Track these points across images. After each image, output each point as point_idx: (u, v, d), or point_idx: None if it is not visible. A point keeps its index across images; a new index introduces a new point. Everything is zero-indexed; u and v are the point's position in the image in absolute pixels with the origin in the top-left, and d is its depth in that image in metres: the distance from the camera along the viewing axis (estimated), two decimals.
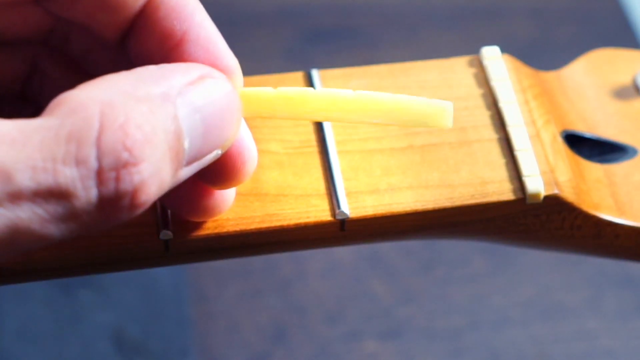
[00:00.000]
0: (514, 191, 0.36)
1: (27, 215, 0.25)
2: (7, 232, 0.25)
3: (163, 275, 0.62)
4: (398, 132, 0.37)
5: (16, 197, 0.25)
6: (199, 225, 0.34)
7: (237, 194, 0.35)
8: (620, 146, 0.39)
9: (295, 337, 0.61)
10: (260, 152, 0.36)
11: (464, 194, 0.36)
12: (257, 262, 0.63)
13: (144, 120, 0.26)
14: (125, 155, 0.26)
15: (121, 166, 0.26)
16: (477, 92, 0.38)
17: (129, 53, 0.31)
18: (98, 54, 0.33)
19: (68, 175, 0.25)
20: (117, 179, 0.26)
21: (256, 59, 0.71)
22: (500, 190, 0.36)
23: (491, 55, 0.39)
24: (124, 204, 0.26)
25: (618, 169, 0.38)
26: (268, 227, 0.34)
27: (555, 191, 0.36)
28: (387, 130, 0.37)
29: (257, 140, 0.36)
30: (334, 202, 0.35)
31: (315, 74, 0.38)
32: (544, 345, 0.61)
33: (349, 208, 0.35)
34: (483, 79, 0.39)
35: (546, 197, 0.36)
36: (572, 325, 0.62)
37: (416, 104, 0.32)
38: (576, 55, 0.42)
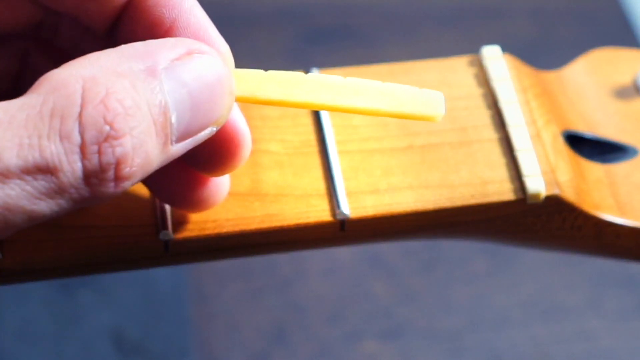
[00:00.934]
0: (515, 191, 0.36)
1: (16, 192, 0.26)
2: None
3: (163, 275, 0.62)
4: (398, 132, 0.37)
5: (4, 175, 0.26)
6: (199, 225, 0.34)
7: (237, 194, 0.35)
8: (621, 146, 0.39)
9: (295, 337, 0.61)
10: (260, 152, 0.36)
11: (464, 194, 0.36)
12: (257, 262, 0.63)
13: (125, 94, 0.27)
14: (106, 129, 0.26)
15: (103, 139, 0.26)
16: (477, 91, 0.38)
17: (118, 43, 0.31)
18: (88, 45, 0.33)
19: (53, 151, 0.26)
20: (100, 152, 0.26)
21: (256, 59, 0.71)
22: (501, 190, 0.36)
23: (492, 54, 0.39)
24: (108, 176, 0.27)
25: (618, 168, 0.38)
26: (268, 227, 0.34)
27: (556, 191, 0.36)
28: (387, 130, 0.37)
29: (257, 140, 0.36)
30: (334, 202, 0.35)
31: (315, 73, 0.38)
32: (545, 345, 0.61)
33: (349, 208, 0.35)
34: (483, 79, 0.39)
35: (547, 197, 0.36)
36: (572, 326, 0.62)
37: (408, 92, 0.31)
38: (576, 55, 0.42)
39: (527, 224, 0.37)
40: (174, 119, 0.28)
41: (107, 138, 0.26)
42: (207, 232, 0.34)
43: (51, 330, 0.59)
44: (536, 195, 0.36)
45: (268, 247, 0.35)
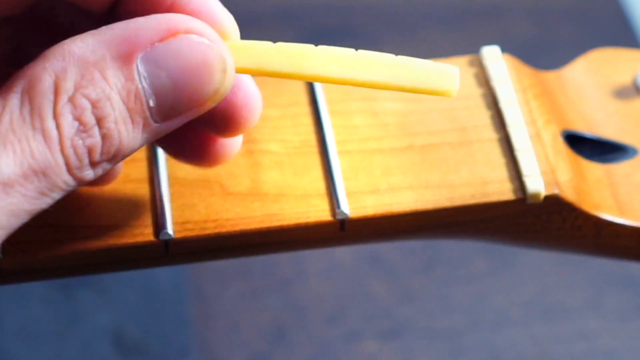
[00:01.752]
0: (515, 191, 0.36)
1: (18, 199, 0.28)
2: (5, 219, 0.27)
3: (163, 275, 0.62)
4: (398, 132, 0.37)
5: (8, 185, 0.27)
6: (199, 225, 0.34)
7: (237, 194, 0.35)
8: (621, 146, 0.39)
9: (295, 337, 0.61)
10: (260, 152, 0.36)
11: (464, 194, 0.36)
12: (257, 262, 0.63)
13: (92, 88, 0.28)
14: (75, 124, 0.28)
15: (74, 134, 0.28)
16: (477, 92, 0.38)
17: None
18: (85, 25, 0.33)
19: (42, 151, 0.28)
20: (74, 146, 0.28)
21: None
22: (501, 190, 0.36)
23: (491, 55, 0.39)
24: (84, 165, 0.28)
25: (618, 168, 0.38)
26: (268, 227, 0.34)
27: (556, 191, 0.36)
28: (387, 130, 0.37)
29: (257, 140, 0.36)
30: (334, 202, 0.35)
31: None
32: (545, 345, 0.61)
33: (349, 208, 0.35)
34: (483, 79, 0.39)
35: (546, 197, 0.36)
36: (572, 326, 0.62)
37: (420, 65, 0.31)
38: (576, 55, 0.42)
39: (527, 223, 0.37)
40: (152, 103, 0.29)
41: (78, 132, 0.28)
42: (207, 232, 0.34)
43: (51, 330, 0.59)
44: (536, 195, 0.36)
45: (268, 247, 0.35)
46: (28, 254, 0.33)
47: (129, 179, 0.35)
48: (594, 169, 0.38)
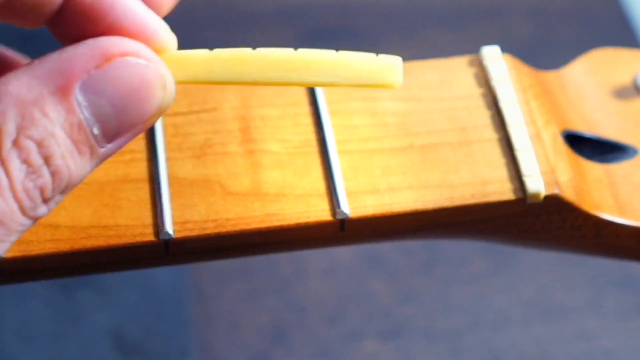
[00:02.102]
0: (515, 191, 0.36)
1: None
2: None
3: (163, 275, 0.62)
4: (398, 132, 0.37)
5: None
6: (199, 225, 0.34)
7: (237, 193, 0.35)
8: (621, 146, 0.39)
9: (295, 337, 0.61)
10: (260, 152, 0.36)
11: (464, 193, 0.36)
12: (257, 262, 0.63)
13: (35, 127, 0.28)
14: (23, 167, 0.28)
15: (23, 177, 0.28)
16: (477, 91, 0.38)
17: (55, 35, 0.31)
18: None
19: None
20: (25, 190, 0.28)
21: None
22: (501, 190, 0.36)
23: (491, 55, 0.39)
24: (38, 204, 0.28)
25: (618, 168, 0.38)
26: (268, 227, 0.34)
27: (556, 191, 0.36)
28: (387, 130, 0.37)
29: (257, 140, 0.36)
30: (334, 202, 0.35)
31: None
32: (544, 345, 0.61)
33: (349, 208, 0.35)
34: (483, 79, 0.39)
35: (546, 197, 0.36)
36: (572, 326, 0.62)
37: (362, 60, 0.30)
38: (576, 55, 0.42)
39: (527, 223, 0.37)
40: (96, 131, 0.29)
41: (27, 175, 0.28)
42: (207, 232, 0.34)
43: (51, 330, 0.59)
44: (536, 195, 0.36)
45: (268, 247, 0.35)
46: (28, 254, 0.33)
47: (129, 179, 0.35)
48: (594, 169, 0.38)
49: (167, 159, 0.36)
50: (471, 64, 0.39)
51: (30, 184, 0.28)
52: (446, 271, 0.64)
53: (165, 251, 0.34)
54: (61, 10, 0.30)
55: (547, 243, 0.38)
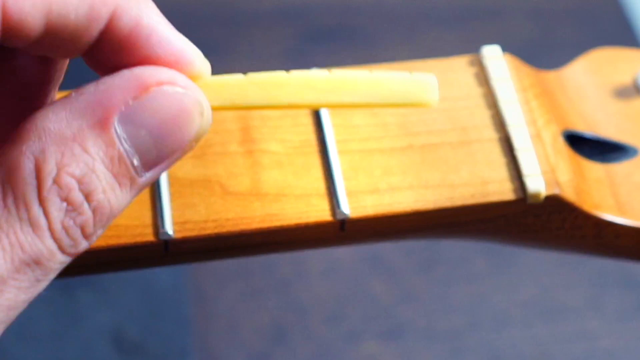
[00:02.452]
0: (515, 191, 0.36)
1: (14, 293, 0.27)
2: (3, 315, 0.27)
3: (163, 275, 0.62)
4: (398, 132, 0.37)
5: (1, 282, 0.27)
6: (198, 225, 0.34)
7: (237, 193, 0.35)
8: (621, 146, 0.39)
9: (295, 337, 0.61)
10: (260, 151, 0.36)
11: (464, 193, 0.36)
12: (257, 262, 0.63)
13: (76, 164, 0.27)
14: (64, 206, 0.27)
15: (63, 216, 0.27)
16: (477, 91, 0.38)
17: (89, 64, 0.31)
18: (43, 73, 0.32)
19: (31, 242, 0.27)
20: (65, 228, 0.27)
21: (256, 59, 0.71)
22: (501, 190, 0.36)
23: (492, 54, 0.39)
24: (78, 241, 0.28)
25: (619, 168, 0.38)
26: (268, 227, 0.34)
27: (556, 191, 0.36)
28: (387, 130, 0.37)
29: (257, 140, 0.36)
30: (334, 202, 0.35)
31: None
32: (545, 345, 0.61)
33: (349, 208, 0.35)
34: (483, 79, 0.39)
35: (547, 197, 0.36)
36: (572, 326, 0.62)
37: (397, 79, 0.30)
38: (576, 55, 0.42)
39: (527, 223, 0.37)
40: (136, 161, 0.28)
41: (67, 213, 0.27)
42: (207, 232, 0.34)
43: (51, 330, 0.59)
44: (536, 195, 0.36)
45: (268, 247, 0.35)
46: None
47: None
48: (594, 169, 0.38)
49: None
50: (471, 63, 0.39)
51: (70, 222, 0.27)
52: (446, 271, 0.64)
53: (165, 251, 0.34)
54: (97, 43, 0.29)
55: (547, 243, 0.38)
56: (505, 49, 0.40)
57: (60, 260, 0.28)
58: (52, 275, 0.28)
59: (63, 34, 0.28)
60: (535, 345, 0.61)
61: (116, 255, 0.34)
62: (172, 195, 0.35)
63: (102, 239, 0.33)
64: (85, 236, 0.28)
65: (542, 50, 0.74)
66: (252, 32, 0.73)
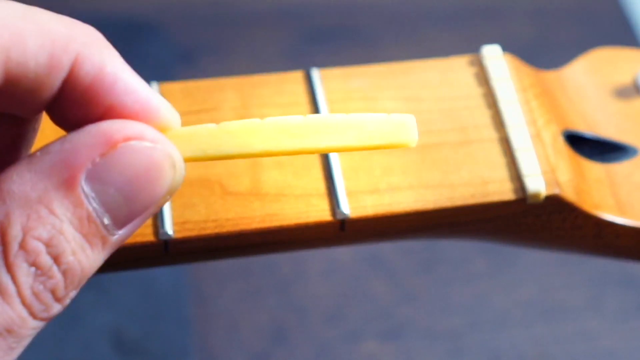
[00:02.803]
0: (515, 191, 0.36)
1: None
2: None
3: (163, 275, 0.62)
4: None
5: None
6: (198, 225, 0.34)
7: (237, 193, 0.35)
8: (621, 146, 0.39)
9: (295, 337, 0.61)
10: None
11: (464, 193, 0.36)
12: (257, 262, 0.63)
13: (43, 227, 0.26)
14: (32, 271, 0.26)
15: (32, 281, 0.26)
16: (477, 91, 0.38)
17: (53, 119, 0.30)
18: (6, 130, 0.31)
19: (0, 310, 0.26)
20: (35, 294, 0.27)
21: (256, 59, 0.71)
22: (501, 190, 0.36)
23: (492, 54, 0.39)
24: (50, 305, 0.27)
25: (619, 168, 0.38)
26: (268, 227, 0.34)
27: (556, 191, 0.36)
28: None
29: None
30: (334, 201, 0.35)
31: (315, 73, 0.38)
32: (545, 345, 0.61)
33: (349, 208, 0.35)
34: (483, 79, 0.39)
35: (547, 197, 0.36)
36: (572, 326, 0.62)
37: (374, 121, 0.29)
38: (576, 55, 0.42)
39: (527, 223, 0.36)
40: (107, 220, 0.27)
41: (36, 277, 0.27)
42: (207, 232, 0.34)
43: (51, 330, 0.59)
44: (536, 195, 0.36)
45: (268, 247, 0.35)
46: None
47: None
48: (595, 169, 0.38)
49: None
50: (471, 63, 0.39)
51: (40, 287, 0.27)
52: (446, 271, 0.64)
53: (165, 251, 0.34)
54: (60, 94, 0.28)
55: (547, 243, 0.38)
56: (505, 49, 0.40)
57: (33, 326, 0.27)
58: (26, 342, 0.27)
59: (23, 84, 0.27)
60: (535, 345, 0.61)
61: (116, 255, 0.34)
62: None
63: None
64: (57, 299, 0.27)
65: (542, 50, 0.74)
66: (252, 32, 0.73)
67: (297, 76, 0.38)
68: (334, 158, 0.36)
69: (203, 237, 0.34)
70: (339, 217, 0.35)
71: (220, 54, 0.71)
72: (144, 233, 0.34)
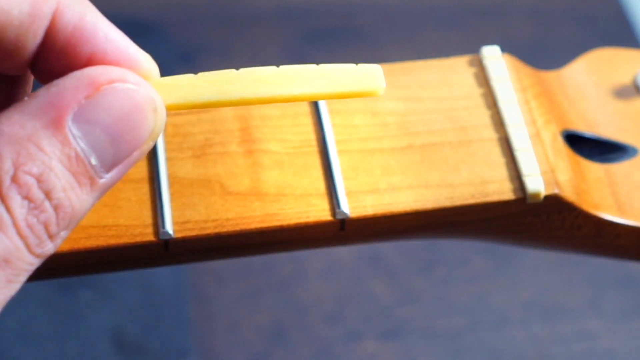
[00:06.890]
0: (514, 191, 0.36)
1: None
2: None
3: (163, 275, 0.62)
4: (398, 131, 0.37)
5: None
6: (199, 225, 0.34)
7: (237, 193, 0.35)
8: (621, 146, 0.39)
9: (295, 337, 0.61)
10: (260, 151, 0.36)
11: (464, 193, 0.36)
12: (257, 262, 0.63)
13: (33, 162, 0.27)
14: (25, 203, 0.27)
15: (26, 213, 0.27)
16: (477, 91, 0.38)
17: (38, 78, 0.31)
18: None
19: None
20: (30, 226, 0.28)
21: (256, 59, 0.71)
22: (501, 189, 0.36)
23: (491, 54, 0.39)
24: (44, 241, 0.28)
25: (618, 168, 0.38)
26: (268, 227, 0.34)
27: (556, 191, 0.36)
28: (387, 130, 0.37)
29: (257, 140, 0.36)
30: (334, 201, 0.35)
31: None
32: (544, 345, 0.61)
33: (349, 208, 0.35)
34: (483, 79, 0.39)
35: (546, 197, 0.36)
36: (572, 326, 0.62)
37: (343, 70, 0.31)
38: (576, 55, 0.42)
39: (527, 223, 0.37)
40: (94, 161, 0.28)
41: (30, 210, 0.27)
42: (207, 231, 0.34)
43: (51, 330, 0.59)
44: (536, 195, 0.36)
45: (268, 247, 0.35)
46: None
47: (129, 179, 0.35)
48: (594, 169, 0.38)
49: (167, 159, 0.36)
50: (471, 63, 0.39)
51: (34, 220, 0.27)
52: (446, 271, 0.64)
53: (165, 251, 0.34)
54: (42, 48, 0.30)
55: (547, 243, 0.38)
56: (505, 49, 0.40)
57: (29, 261, 0.28)
58: (23, 277, 0.28)
59: (8, 34, 0.28)
60: (535, 345, 0.61)
61: (116, 255, 0.34)
62: (172, 195, 0.35)
63: (102, 238, 0.34)
64: (50, 235, 0.28)
65: (542, 50, 0.74)
66: (252, 32, 0.73)
67: None
68: (334, 158, 0.36)
69: (203, 237, 0.34)
70: (339, 217, 0.35)
71: (220, 54, 0.71)
72: (144, 233, 0.34)
